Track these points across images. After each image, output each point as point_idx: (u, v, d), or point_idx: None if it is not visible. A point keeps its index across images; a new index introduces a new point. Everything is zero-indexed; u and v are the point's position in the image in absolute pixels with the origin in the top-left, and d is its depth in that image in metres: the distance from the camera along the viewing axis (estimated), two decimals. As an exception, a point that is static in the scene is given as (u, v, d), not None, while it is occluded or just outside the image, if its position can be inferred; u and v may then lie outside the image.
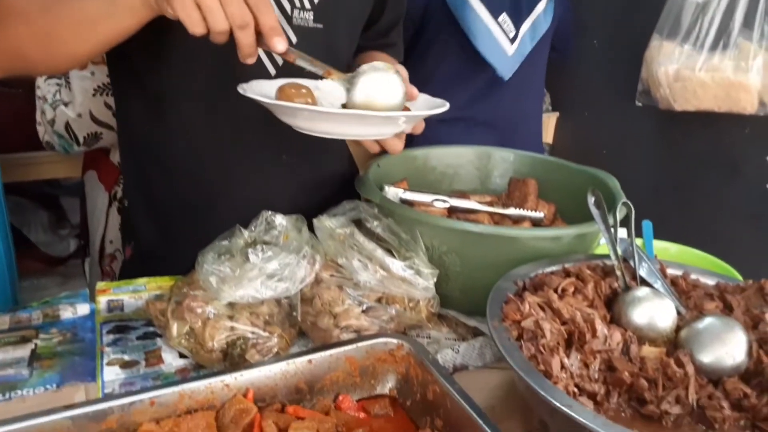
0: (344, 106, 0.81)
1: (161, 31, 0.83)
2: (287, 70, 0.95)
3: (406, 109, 0.81)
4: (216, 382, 0.65)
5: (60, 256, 1.96)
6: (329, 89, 0.86)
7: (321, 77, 0.80)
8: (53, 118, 1.37)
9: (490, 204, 1.02)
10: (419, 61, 1.69)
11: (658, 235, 1.29)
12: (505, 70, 1.66)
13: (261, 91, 0.83)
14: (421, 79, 1.67)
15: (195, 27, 0.67)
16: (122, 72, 0.99)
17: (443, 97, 0.90)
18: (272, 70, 0.95)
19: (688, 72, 1.60)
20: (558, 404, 0.56)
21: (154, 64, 0.92)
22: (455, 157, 1.15)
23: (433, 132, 1.67)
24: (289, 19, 0.90)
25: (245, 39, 0.69)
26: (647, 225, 1.05)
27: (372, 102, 0.77)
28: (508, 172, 1.15)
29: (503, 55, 1.64)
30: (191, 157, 0.97)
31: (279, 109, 0.78)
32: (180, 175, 0.99)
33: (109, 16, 0.74)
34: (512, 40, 1.65)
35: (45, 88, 1.38)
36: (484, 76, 1.68)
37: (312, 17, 0.91)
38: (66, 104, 1.36)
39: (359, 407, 0.72)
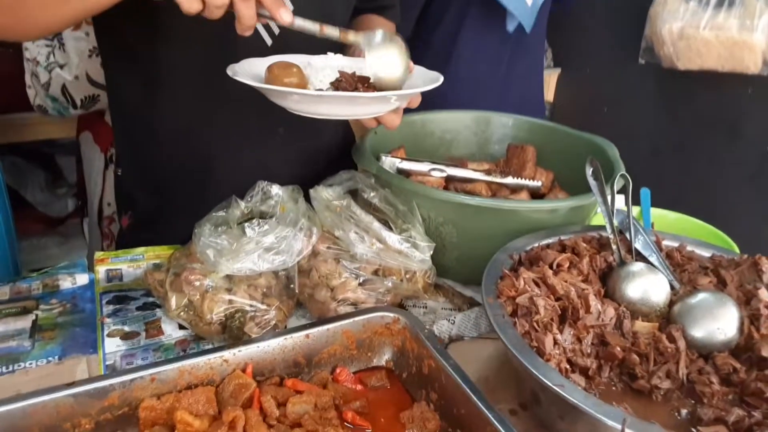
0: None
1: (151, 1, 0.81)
2: (284, 38, 0.93)
3: None
4: (215, 358, 0.66)
5: (59, 216, 1.96)
6: (321, 65, 0.85)
7: (330, 45, 0.79)
8: (48, 82, 1.34)
9: (488, 172, 1.02)
10: (435, 23, 1.63)
11: (657, 195, 1.29)
12: (528, 21, 1.59)
13: (252, 69, 0.81)
14: (439, 41, 1.62)
15: (190, 5, 0.64)
16: (111, 44, 0.97)
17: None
18: (269, 40, 0.93)
19: (692, 30, 1.57)
20: (549, 383, 0.57)
21: (145, 36, 0.89)
22: (453, 122, 1.14)
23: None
24: None
25: (247, 10, 0.66)
26: (645, 192, 1.05)
27: (384, 74, 0.77)
28: (506, 138, 1.14)
29: (524, 6, 1.57)
30: (185, 129, 0.96)
31: (268, 91, 0.77)
32: (174, 147, 0.98)
33: None
34: None
35: (34, 50, 1.35)
36: (500, 32, 1.62)
37: None
38: (61, 66, 1.33)
39: (356, 379, 0.73)
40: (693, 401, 0.65)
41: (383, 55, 0.77)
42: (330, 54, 0.89)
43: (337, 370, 0.73)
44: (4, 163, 1.74)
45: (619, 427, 0.52)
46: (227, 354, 0.67)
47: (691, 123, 1.79)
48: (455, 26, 1.59)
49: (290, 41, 0.90)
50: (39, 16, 0.73)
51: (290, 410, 0.64)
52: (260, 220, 0.80)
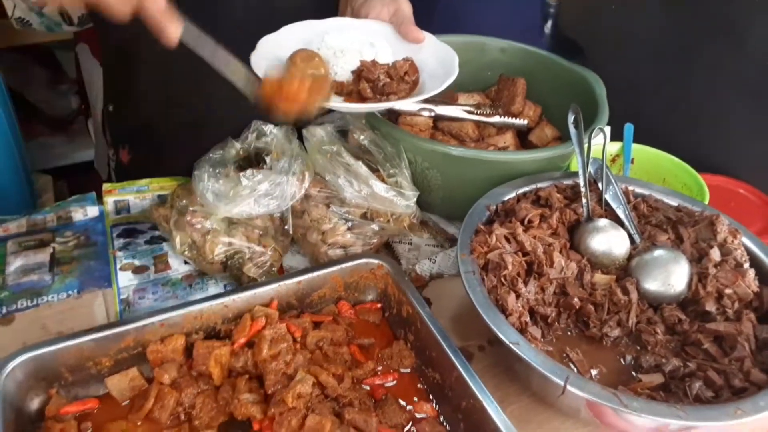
0: None
1: None
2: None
3: None
4: (216, 304, 0.74)
5: (63, 115, 1.99)
6: (338, 45, 0.86)
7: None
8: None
9: (478, 106, 1.04)
10: None
11: (656, 102, 1.31)
12: None
13: (271, 50, 0.82)
14: None
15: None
16: None
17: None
18: None
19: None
20: (506, 340, 0.65)
21: None
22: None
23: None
24: None
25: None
26: (629, 128, 1.07)
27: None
28: (498, 65, 1.14)
29: None
30: (177, 70, 0.97)
31: None
32: (166, 87, 1.00)
33: None
34: None
35: None
36: None
37: None
38: None
39: (355, 313, 0.82)
40: (638, 348, 0.73)
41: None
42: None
43: (340, 303, 0.81)
44: (5, 64, 1.75)
45: (562, 383, 0.61)
46: (227, 300, 0.75)
47: (695, 29, 1.74)
48: None
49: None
50: None
51: (309, 341, 0.74)
52: (254, 170, 0.85)
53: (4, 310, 0.82)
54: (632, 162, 1.06)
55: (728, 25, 1.66)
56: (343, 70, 0.89)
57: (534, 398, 0.74)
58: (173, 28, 0.65)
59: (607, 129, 0.92)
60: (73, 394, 0.69)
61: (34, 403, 0.68)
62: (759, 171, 1.34)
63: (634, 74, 1.65)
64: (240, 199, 0.84)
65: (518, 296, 0.73)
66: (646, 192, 0.88)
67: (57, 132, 1.97)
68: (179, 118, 1.03)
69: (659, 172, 1.05)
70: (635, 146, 1.07)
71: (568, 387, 0.61)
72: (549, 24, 2.09)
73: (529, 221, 0.80)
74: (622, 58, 1.68)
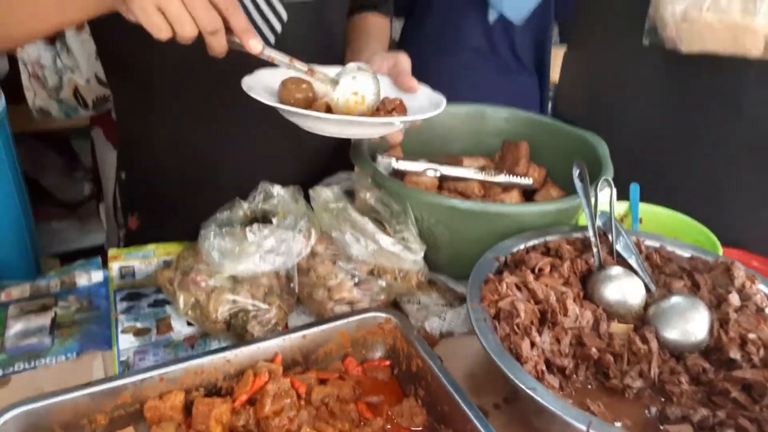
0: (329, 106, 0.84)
1: None
2: (280, 47, 0.96)
3: (387, 112, 0.84)
4: (218, 359, 0.72)
5: (75, 200, 2.03)
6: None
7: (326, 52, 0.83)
8: (58, 85, 1.39)
9: (483, 168, 1.05)
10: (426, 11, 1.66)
11: (659, 177, 1.31)
12: (516, 15, 1.62)
13: (264, 81, 0.85)
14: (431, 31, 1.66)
15: (159, 32, 0.66)
16: (107, 51, 1.00)
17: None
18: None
19: (695, 12, 1.56)
20: (522, 386, 0.62)
21: (137, 43, 0.92)
22: (449, 118, 1.16)
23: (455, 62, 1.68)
24: None
25: (216, 43, 0.68)
26: (635, 188, 1.08)
27: (353, 98, 0.81)
28: (501, 132, 1.17)
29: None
30: (184, 127, 1.00)
31: (280, 109, 0.81)
32: (176, 151, 1.02)
33: (60, 7, 0.73)
34: None
35: (33, 52, 1.38)
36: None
37: None
38: (72, 70, 1.37)
39: (362, 370, 0.79)
40: (663, 399, 0.69)
41: (361, 76, 0.82)
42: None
43: (347, 360, 0.78)
44: (21, 148, 1.80)
45: (585, 428, 0.57)
46: (229, 354, 0.72)
47: (694, 105, 1.79)
48: (445, 6, 1.62)
49: (287, 48, 0.93)
50: (12, 28, 0.76)
51: (314, 398, 0.70)
52: (261, 225, 0.85)
53: (1, 373, 0.79)
54: (641, 222, 1.06)
55: (727, 96, 1.71)
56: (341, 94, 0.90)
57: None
58: (258, 39, 0.71)
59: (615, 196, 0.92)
60: (64, 455, 0.66)
61: (23, 464, 0.64)
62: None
63: (636, 152, 1.68)
64: (246, 256, 0.84)
65: (533, 345, 0.70)
66: (657, 244, 0.87)
67: (68, 216, 2.00)
68: (188, 183, 1.05)
69: (669, 230, 1.04)
70: (643, 206, 1.07)
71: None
72: (549, 107, 2.16)
73: (540, 269, 0.78)
74: (623, 137, 1.71)
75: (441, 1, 1.70)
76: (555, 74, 2.26)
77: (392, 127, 0.83)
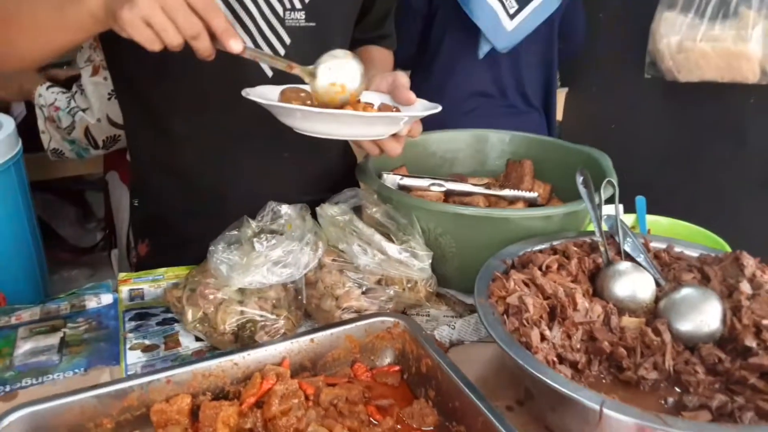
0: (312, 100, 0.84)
1: None
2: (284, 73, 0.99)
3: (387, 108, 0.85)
4: (225, 361, 0.71)
5: (87, 246, 2.05)
6: None
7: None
8: (71, 125, 1.43)
9: (487, 186, 1.06)
10: (436, 51, 1.71)
11: (667, 206, 1.31)
12: (503, 44, 1.65)
13: (264, 95, 0.87)
14: (441, 70, 1.70)
15: (152, 45, 0.69)
16: (121, 80, 1.05)
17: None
18: (269, 71, 0.99)
19: (689, 43, 1.61)
20: (533, 371, 0.61)
21: (147, 70, 0.96)
22: (453, 141, 1.19)
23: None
24: (281, 20, 0.94)
25: (200, 45, 0.70)
26: (640, 200, 1.08)
27: (332, 89, 0.81)
28: (505, 154, 1.19)
29: (501, 30, 1.64)
30: (196, 160, 1.02)
31: (278, 110, 0.82)
32: (187, 178, 1.04)
33: (59, 27, 0.76)
34: (512, 16, 1.65)
35: (49, 96, 1.44)
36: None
37: (304, 16, 0.95)
38: (84, 110, 1.42)
39: (371, 376, 0.77)
40: (679, 390, 0.68)
41: (336, 65, 0.81)
42: None
43: (355, 366, 0.77)
44: (37, 200, 1.84)
45: (597, 407, 0.56)
46: (237, 357, 0.72)
47: (697, 134, 1.82)
48: (451, 54, 1.67)
49: (289, 75, 0.97)
50: (20, 46, 0.79)
51: (323, 399, 0.69)
52: (269, 235, 0.86)
53: (8, 388, 0.78)
54: (649, 232, 1.05)
55: (729, 124, 1.74)
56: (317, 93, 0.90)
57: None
58: (238, 39, 0.71)
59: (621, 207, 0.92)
60: (69, 460, 0.64)
61: (28, 467, 0.63)
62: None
63: (642, 182, 1.69)
64: (254, 269, 0.84)
65: (543, 338, 0.69)
66: (664, 245, 0.87)
67: (79, 262, 2.02)
68: (197, 212, 1.06)
69: (678, 237, 1.04)
70: (649, 218, 1.07)
71: (605, 411, 0.55)
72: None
73: (548, 267, 0.78)
74: (628, 167, 1.74)
75: (448, 52, 1.74)
76: (558, 114, 2.30)
77: (392, 125, 0.83)
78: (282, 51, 0.97)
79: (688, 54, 1.62)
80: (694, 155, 1.84)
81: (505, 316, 0.71)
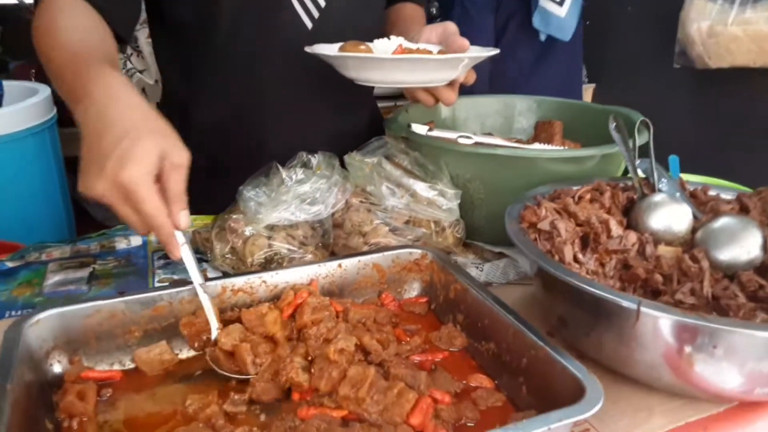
0: None
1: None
2: (323, 21, 1.00)
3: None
4: (254, 278, 0.71)
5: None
6: (385, 48, 0.91)
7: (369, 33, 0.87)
8: None
9: (517, 142, 1.05)
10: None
11: None
12: (563, 32, 1.65)
13: (322, 51, 0.89)
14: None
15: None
16: (162, 37, 1.07)
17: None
18: (309, 23, 1.00)
19: (720, 27, 1.59)
20: (563, 275, 0.59)
21: (191, 24, 0.98)
22: (483, 106, 1.19)
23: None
24: None
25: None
26: (674, 159, 1.06)
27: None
28: (534, 118, 1.18)
29: (557, 19, 1.63)
30: (230, 115, 1.04)
31: (342, 61, 0.84)
32: (220, 132, 1.06)
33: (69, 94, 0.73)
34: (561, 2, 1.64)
35: None
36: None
37: None
38: (141, 72, 1.45)
39: (399, 306, 0.76)
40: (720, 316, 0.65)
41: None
42: (392, 38, 0.96)
43: (383, 295, 0.76)
44: (71, 181, 1.87)
45: (635, 306, 0.54)
46: (266, 276, 0.71)
47: (729, 122, 1.79)
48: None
49: (328, 27, 0.98)
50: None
51: (351, 317, 0.69)
52: (298, 169, 0.86)
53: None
54: (682, 191, 1.03)
55: (762, 117, 1.71)
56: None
57: (607, 373, 0.65)
58: (177, 251, 0.64)
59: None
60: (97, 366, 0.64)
61: (55, 368, 0.63)
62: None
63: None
64: (282, 204, 0.84)
65: (576, 260, 0.67)
66: (699, 187, 0.85)
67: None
68: (230, 161, 1.06)
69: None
70: (683, 176, 1.04)
71: (643, 309, 0.54)
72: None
73: (580, 197, 0.76)
74: (659, 164, 1.70)
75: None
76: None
77: (453, 70, 0.84)
78: (323, 2, 0.98)
79: (719, 38, 1.60)
80: (725, 144, 1.81)
81: (536, 242, 0.70)
